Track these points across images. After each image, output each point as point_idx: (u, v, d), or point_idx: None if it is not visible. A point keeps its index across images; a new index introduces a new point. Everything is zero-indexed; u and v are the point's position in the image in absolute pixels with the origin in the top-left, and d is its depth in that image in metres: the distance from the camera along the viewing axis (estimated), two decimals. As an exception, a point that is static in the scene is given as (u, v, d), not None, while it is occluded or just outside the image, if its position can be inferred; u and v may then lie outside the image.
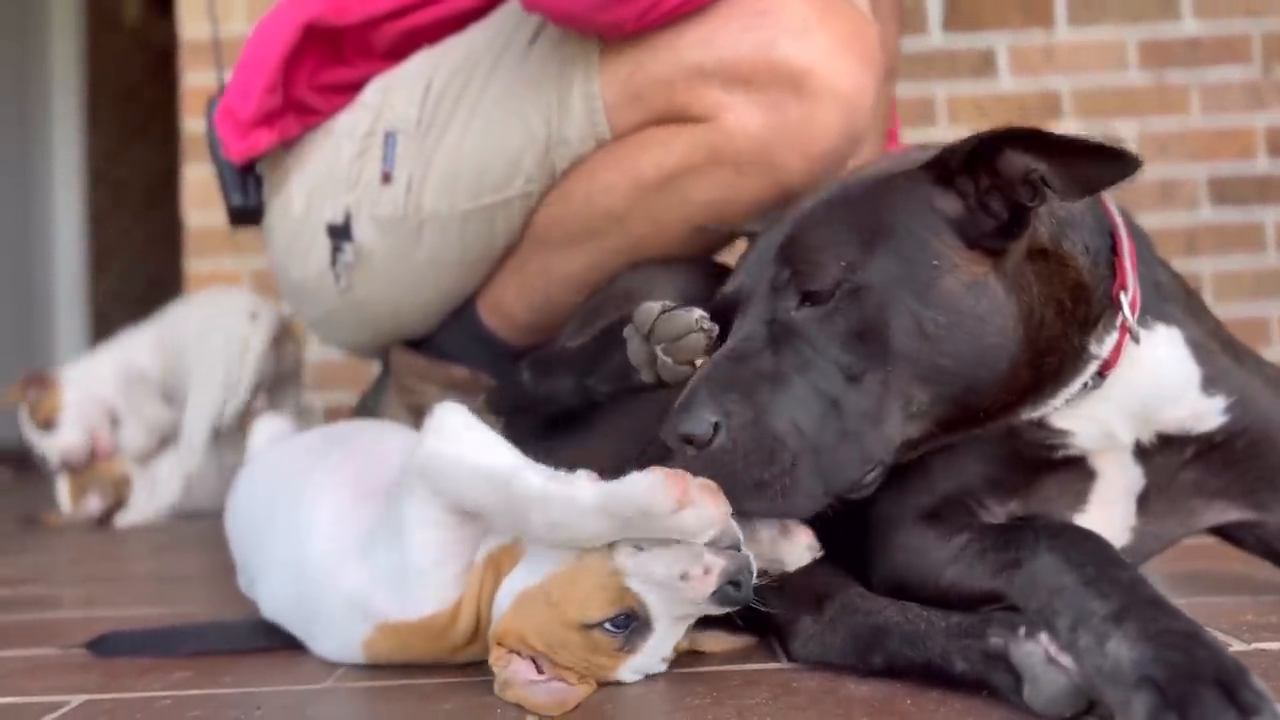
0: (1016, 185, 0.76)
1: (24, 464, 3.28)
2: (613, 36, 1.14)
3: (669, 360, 0.84)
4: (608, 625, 0.74)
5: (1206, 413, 0.89)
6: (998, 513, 0.89)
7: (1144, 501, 0.92)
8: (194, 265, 2.80)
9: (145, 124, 5.46)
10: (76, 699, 0.82)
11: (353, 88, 1.32)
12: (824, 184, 0.91)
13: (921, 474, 0.89)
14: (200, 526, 1.96)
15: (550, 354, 1.02)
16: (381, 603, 0.80)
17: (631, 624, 0.74)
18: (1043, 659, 0.64)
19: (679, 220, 1.17)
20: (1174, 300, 0.90)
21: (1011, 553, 0.72)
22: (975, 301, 0.76)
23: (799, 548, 0.81)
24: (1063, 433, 0.87)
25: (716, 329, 0.83)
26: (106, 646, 0.96)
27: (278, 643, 0.92)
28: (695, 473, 0.71)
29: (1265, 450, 0.92)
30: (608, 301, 1.01)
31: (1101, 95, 2.78)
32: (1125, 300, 0.83)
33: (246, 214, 1.39)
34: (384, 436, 1.10)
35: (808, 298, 0.77)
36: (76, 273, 5.21)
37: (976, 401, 0.79)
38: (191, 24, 2.78)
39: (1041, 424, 0.86)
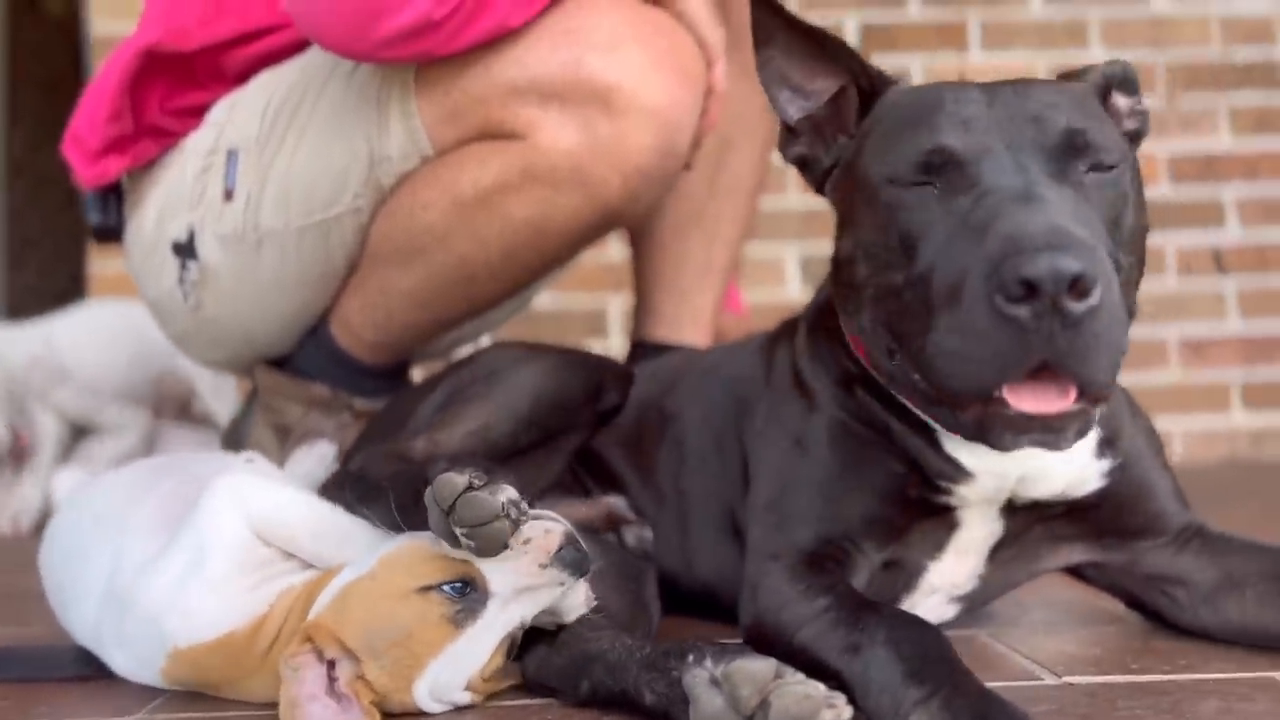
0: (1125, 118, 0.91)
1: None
2: (423, 63, 1.14)
3: (470, 544, 0.74)
4: (445, 587, 0.74)
5: (1090, 478, 0.91)
6: (874, 558, 0.90)
7: (996, 550, 0.94)
8: (98, 267, 2.75)
9: (68, 117, 5.34)
10: (-125, 729, 0.79)
11: (207, 110, 1.31)
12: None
13: (806, 506, 0.90)
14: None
15: (373, 474, 0.91)
16: (172, 625, 0.79)
17: (469, 591, 0.74)
18: (705, 681, 0.66)
19: (500, 238, 1.17)
20: None
21: (855, 635, 0.73)
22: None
23: (578, 600, 0.81)
24: (967, 474, 0.87)
25: (527, 513, 0.75)
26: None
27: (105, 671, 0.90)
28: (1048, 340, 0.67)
29: (1126, 509, 0.93)
30: (472, 380, 0.96)
31: (1012, 119, 2.83)
32: None
33: (107, 232, 1.37)
34: (220, 470, 1.09)
35: (1096, 168, 0.79)
36: (-8, 268, 5.08)
37: None
38: (101, 21, 2.73)
39: (949, 458, 0.87)
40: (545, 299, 2.82)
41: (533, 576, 0.75)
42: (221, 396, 2.31)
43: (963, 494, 0.89)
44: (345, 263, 1.25)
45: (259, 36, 1.29)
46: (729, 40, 1.38)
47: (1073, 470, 0.90)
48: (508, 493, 0.73)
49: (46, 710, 0.83)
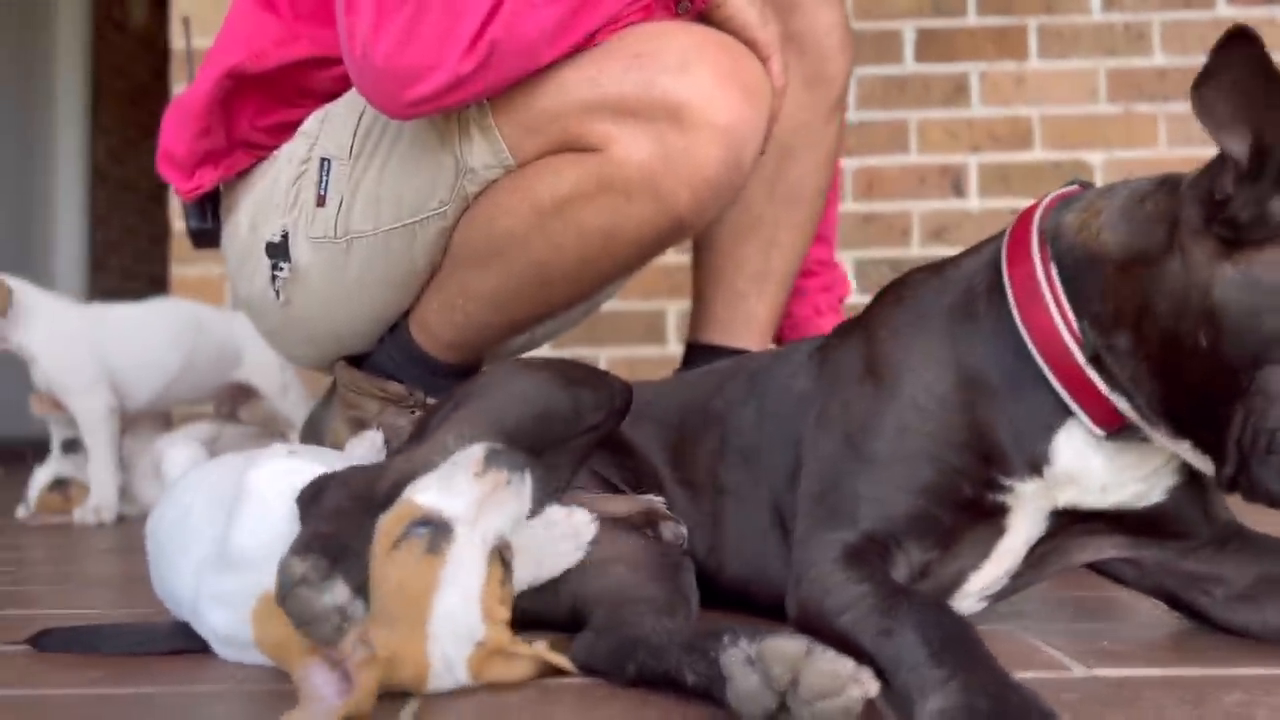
0: None
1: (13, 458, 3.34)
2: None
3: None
4: (409, 533, 0.78)
5: (1153, 491, 0.93)
6: (915, 559, 0.92)
7: (1030, 549, 0.96)
8: (179, 270, 2.88)
9: (150, 125, 5.47)
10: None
11: (297, 126, 1.40)
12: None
13: (855, 501, 0.92)
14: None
15: (327, 499, 0.88)
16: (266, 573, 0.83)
17: (431, 525, 0.79)
18: (742, 661, 0.70)
19: (575, 244, 1.24)
20: None
21: (888, 620, 0.77)
22: None
23: (583, 521, 0.91)
24: (1047, 473, 0.90)
25: (353, 619, 0.72)
26: (48, 643, 1.01)
27: (200, 645, 0.97)
28: None
29: (1171, 518, 0.95)
30: (467, 395, 1.00)
31: (1070, 124, 2.83)
32: None
33: (204, 236, 1.47)
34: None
35: None
36: (76, 269, 5.29)
37: None
38: (181, 35, 2.85)
39: (1046, 456, 0.90)
40: (604, 303, 2.88)
41: (477, 485, 0.80)
42: (289, 397, 2.40)
43: (1024, 492, 0.91)
44: (428, 265, 1.34)
45: (337, 62, 1.37)
46: (793, 51, 1.43)
47: (1148, 486, 0.93)
48: (338, 595, 0.71)
49: (145, 679, 0.90)
